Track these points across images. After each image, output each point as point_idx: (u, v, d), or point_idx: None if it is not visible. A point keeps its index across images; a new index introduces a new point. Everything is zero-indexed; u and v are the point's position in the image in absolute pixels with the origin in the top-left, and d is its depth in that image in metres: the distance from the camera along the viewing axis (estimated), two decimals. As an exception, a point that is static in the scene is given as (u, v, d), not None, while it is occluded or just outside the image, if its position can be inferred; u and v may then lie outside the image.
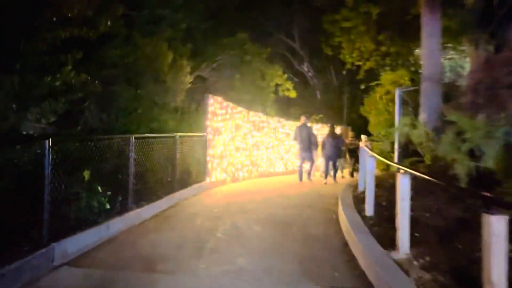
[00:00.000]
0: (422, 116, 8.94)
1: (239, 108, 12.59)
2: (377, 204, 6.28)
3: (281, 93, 17.65)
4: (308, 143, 11.29)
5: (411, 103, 10.66)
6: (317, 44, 23.33)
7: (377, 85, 13.05)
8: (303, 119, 11.82)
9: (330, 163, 12.29)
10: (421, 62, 10.19)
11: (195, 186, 9.25)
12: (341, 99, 24.81)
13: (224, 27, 15.48)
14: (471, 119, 5.95)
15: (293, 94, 17.51)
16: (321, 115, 21.03)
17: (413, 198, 4.64)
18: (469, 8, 9.41)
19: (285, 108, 21.84)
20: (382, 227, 5.42)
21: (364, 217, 6.02)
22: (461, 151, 5.70)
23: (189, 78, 10.79)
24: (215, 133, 10.51)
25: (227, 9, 16.25)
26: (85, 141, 5.67)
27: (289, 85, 17.22)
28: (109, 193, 5.84)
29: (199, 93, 12.20)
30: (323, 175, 12.17)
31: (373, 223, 5.66)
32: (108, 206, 5.73)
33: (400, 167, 4.61)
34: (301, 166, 11.88)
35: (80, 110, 7.57)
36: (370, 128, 13.17)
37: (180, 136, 8.73)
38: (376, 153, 7.04)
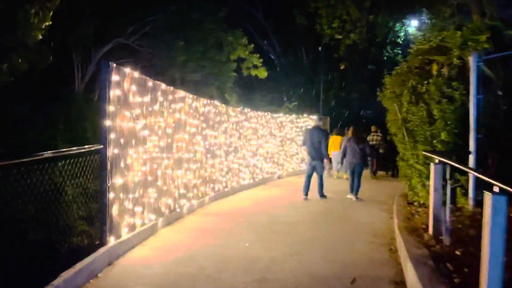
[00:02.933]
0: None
1: (181, 94, 7.41)
2: None
3: (245, 72, 12.54)
4: (320, 151, 9.15)
5: (496, 81, 5.99)
6: (285, 13, 18.43)
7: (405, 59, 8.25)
8: (315, 120, 10.02)
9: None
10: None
11: (77, 267, 4.03)
12: (315, 83, 20.16)
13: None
14: None
15: (262, 73, 12.47)
16: (295, 103, 16.24)
17: None
18: None
19: (248, 94, 16.83)
20: None
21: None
22: None
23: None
24: (126, 141, 5.29)
25: None
26: None
27: (256, 60, 12.13)
28: None
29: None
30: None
31: None
32: None
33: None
34: (309, 178, 9.51)
35: None
36: (391, 122, 8.37)
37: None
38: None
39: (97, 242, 4.73)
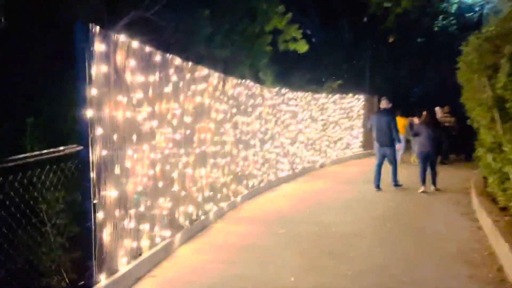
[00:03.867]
0: None
1: (203, 71, 5.87)
2: None
3: (282, 47, 10.82)
4: (390, 136, 8.48)
5: None
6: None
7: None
8: (384, 103, 8.85)
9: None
10: None
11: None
12: (360, 59, 18.04)
13: None
14: None
15: (302, 46, 10.71)
16: (340, 82, 14.34)
17: None
18: None
19: (285, 73, 15.12)
20: None
21: None
22: None
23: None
24: (122, 137, 3.83)
25: None
26: None
27: (295, 32, 10.37)
28: None
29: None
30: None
31: None
32: None
33: None
34: (379, 167, 8.74)
35: None
36: (471, 101, 6.52)
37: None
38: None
39: (81, 283, 3.34)
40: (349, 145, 14.33)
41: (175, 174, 4.92)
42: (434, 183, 8.44)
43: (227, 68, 9.90)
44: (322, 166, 12.41)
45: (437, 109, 12.79)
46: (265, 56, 9.62)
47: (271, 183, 9.07)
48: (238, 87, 7.31)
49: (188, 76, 5.32)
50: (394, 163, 8.72)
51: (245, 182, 7.71)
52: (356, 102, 14.60)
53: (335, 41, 18.69)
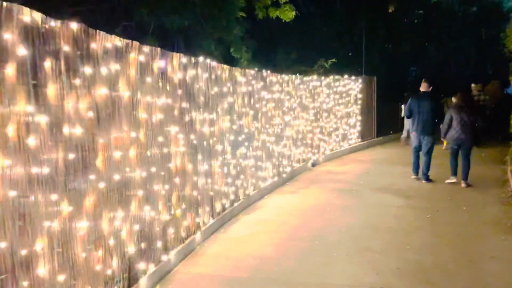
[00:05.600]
0: None
1: (111, 41, 3.34)
2: None
3: (260, 14, 8.24)
4: (431, 123, 7.71)
5: None
6: None
7: None
8: (424, 85, 7.86)
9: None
10: None
11: None
12: (354, 35, 15.48)
13: None
14: None
15: (287, 14, 8.13)
16: (334, 60, 11.83)
17: None
18: None
19: (266, 50, 12.58)
20: None
21: None
22: None
23: None
24: None
25: None
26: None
27: (278, -6, 7.79)
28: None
29: None
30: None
31: None
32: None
33: None
34: (417, 152, 8.06)
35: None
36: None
37: None
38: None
39: None
40: (346, 136, 11.98)
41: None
42: (466, 176, 7.50)
43: (188, 44, 7.39)
44: (314, 164, 10.07)
45: (473, 86, 12.30)
46: (236, 26, 7.06)
47: (250, 198, 6.68)
48: (191, 70, 4.81)
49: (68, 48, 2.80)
50: (429, 154, 7.92)
51: (208, 208, 5.28)
52: (353, 85, 12.19)
53: (327, 14, 16.09)
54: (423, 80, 8.04)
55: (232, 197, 6.05)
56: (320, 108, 10.43)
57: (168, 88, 4.23)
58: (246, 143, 6.56)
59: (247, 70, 6.69)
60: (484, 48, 20.79)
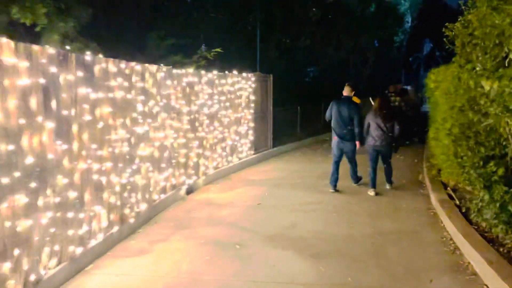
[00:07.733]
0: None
1: None
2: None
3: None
4: (351, 128, 7.38)
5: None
6: None
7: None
8: (347, 89, 7.56)
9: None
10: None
11: None
12: (246, 24, 12.94)
13: None
14: None
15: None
16: (219, 49, 9.11)
17: None
18: None
19: (125, 29, 9.45)
20: None
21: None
22: None
23: None
24: None
25: None
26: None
27: None
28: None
29: None
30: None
31: None
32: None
33: None
34: (337, 165, 7.51)
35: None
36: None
37: None
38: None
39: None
40: (236, 148, 9.37)
41: None
42: (389, 180, 7.62)
43: None
44: (190, 191, 7.28)
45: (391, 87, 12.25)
46: None
47: (43, 285, 3.58)
48: None
49: None
50: (351, 162, 7.76)
51: None
52: (244, 83, 9.63)
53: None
54: (346, 84, 7.62)
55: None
56: (199, 113, 7.64)
57: None
58: (49, 178, 3.43)
59: (35, 47, 3.56)
60: (380, 49, 20.31)
